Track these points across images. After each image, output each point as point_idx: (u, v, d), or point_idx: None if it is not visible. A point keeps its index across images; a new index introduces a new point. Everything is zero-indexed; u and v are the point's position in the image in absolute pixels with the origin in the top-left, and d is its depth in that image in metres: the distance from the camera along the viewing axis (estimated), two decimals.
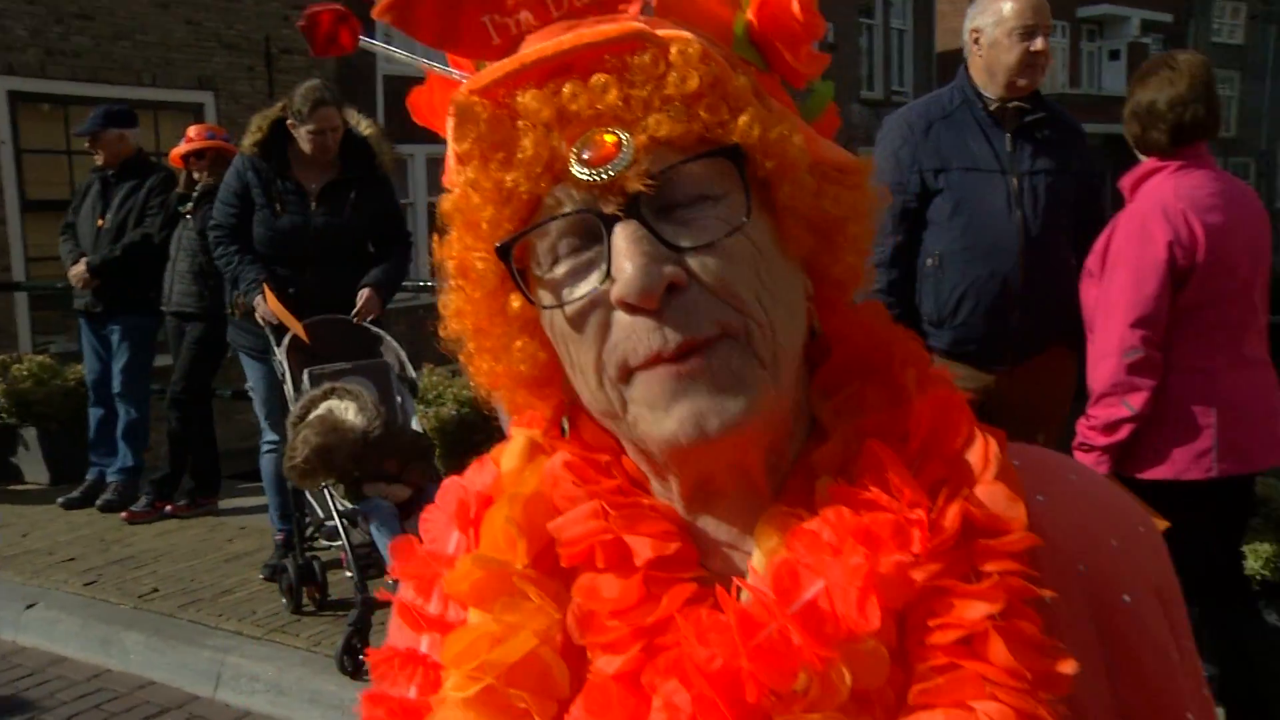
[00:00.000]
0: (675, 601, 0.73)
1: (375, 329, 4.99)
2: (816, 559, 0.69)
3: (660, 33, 0.71)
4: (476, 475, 0.87)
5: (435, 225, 0.80)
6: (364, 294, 4.91)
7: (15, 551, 6.08)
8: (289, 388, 4.72)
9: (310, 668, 4.43)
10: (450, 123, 0.74)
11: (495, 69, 0.72)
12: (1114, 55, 34.25)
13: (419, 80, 0.86)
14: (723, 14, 0.78)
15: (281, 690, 4.41)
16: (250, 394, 5.40)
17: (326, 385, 4.53)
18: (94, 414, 6.94)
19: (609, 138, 0.69)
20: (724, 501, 0.77)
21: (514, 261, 0.74)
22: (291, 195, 4.93)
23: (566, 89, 0.70)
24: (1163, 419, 3.10)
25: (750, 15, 0.77)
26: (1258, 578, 3.71)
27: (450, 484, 0.88)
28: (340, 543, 4.52)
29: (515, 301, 0.76)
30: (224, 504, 6.78)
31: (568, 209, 0.71)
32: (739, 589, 0.71)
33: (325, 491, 4.52)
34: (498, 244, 0.73)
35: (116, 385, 6.66)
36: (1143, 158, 3.26)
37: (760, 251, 0.72)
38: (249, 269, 4.95)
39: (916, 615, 0.69)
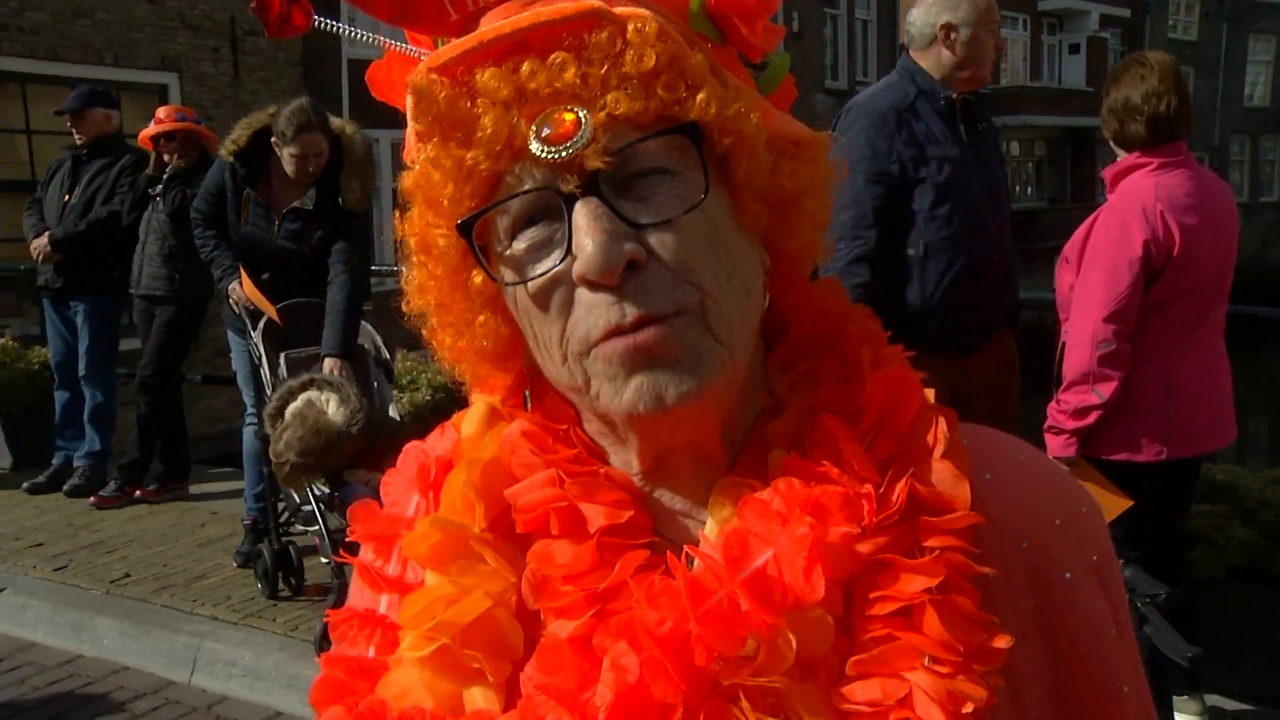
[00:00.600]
0: (628, 568, 0.74)
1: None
2: (766, 528, 0.71)
3: (617, 10, 0.71)
4: (438, 441, 0.88)
5: (398, 205, 0.80)
6: (326, 364, 4.69)
7: None
8: (265, 371, 4.71)
9: (288, 652, 4.43)
10: (409, 101, 0.74)
11: (453, 47, 0.72)
12: (1074, 49, 34.73)
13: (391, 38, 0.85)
14: None
15: (259, 675, 4.41)
16: (234, 368, 5.38)
17: (305, 376, 4.51)
18: (59, 397, 6.85)
19: (568, 115, 0.69)
20: (680, 471, 0.79)
21: (475, 238, 0.75)
22: (258, 209, 4.89)
23: (525, 67, 0.70)
24: (1123, 405, 3.29)
25: None
26: (1229, 565, 3.83)
27: (411, 448, 0.89)
28: (317, 528, 4.53)
29: (477, 278, 0.77)
30: (194, 489, 6.73)
31: (528, 186, 0.72)
32: (689, 556, 0.72)
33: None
34: (459, 221, 0.74)
35: (82, 368, 6.58)
36: (1122, 153, 3.39)
37: (718, 228, 0.73)
38: (225, 255, 4.94)
39: (861, 587, 0.71)
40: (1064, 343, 3.41)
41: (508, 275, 0.75)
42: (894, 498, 0.71)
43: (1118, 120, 3.35)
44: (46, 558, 5.63)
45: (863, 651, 0.70)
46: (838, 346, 0.80)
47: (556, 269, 0.72)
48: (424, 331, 0.84)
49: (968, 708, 0.68)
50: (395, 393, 5.57)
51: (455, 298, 0.79)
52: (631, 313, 0.70)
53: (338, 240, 4.87)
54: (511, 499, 0.78)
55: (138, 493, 6.51)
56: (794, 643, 0.68)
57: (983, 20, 3.53)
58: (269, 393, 4.71)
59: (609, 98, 0.70)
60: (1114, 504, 3.19)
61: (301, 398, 4.37)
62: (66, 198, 6.45)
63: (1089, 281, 3.29)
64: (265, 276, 4.83)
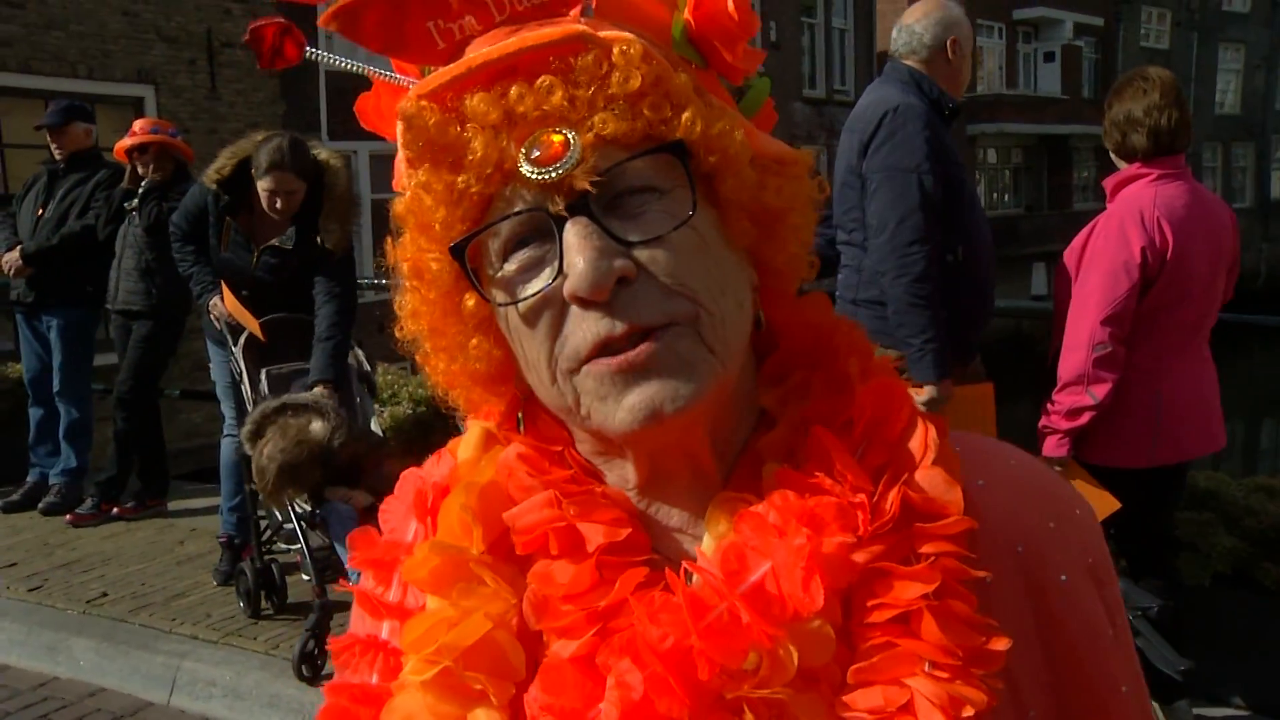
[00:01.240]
0: (628, 585, 0.74)
1: None
2: (763, 541, 0.72)
3: (602, 34, 0.73)
4: (434, 467, 0.88)
5: (388, 226, 0.81)
6: (316, 390, 4.62)
7: None
8: (246, 388, 4.66)
9: (269, 671, 4.37)
10: (400, 128, 0.75)
11: (442, 74, 0.74)
12: (1049, 57, 35.02)
13: (361, 78, 0.87)
14: (660, 14, 0.79)
15: (239, 695, 4.35)
16: (213, 379, 5.32)
17: (281, 400, 4.43)
18: (34, 414, 6.74)
19: (556, 137, 0.71)
20: (675, 488, 0.80)
21: (468, 261, 0.76)
22: (238, 240, 4.84)
23: (513, 91, 0.71)
24: (1114, 409, 3.35)
25: (688, 15, 0.79)
26: (1214, 573, 3.84)
27: (408, 475, 0.90)
28: (299, 546, 4.47)
29: (470, 301, 0.78)
30: (173, 505, 6.65)
31: (519, 208, 0.73)
32: (688, 572, 0.73)
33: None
34: (451, 244, 0.75)
35: (56, 384, 6.50)
36: (1123, 165, 3.47)
37: (707, 244, 0.75)
38: (204, 271, 4.90)
39: (859, 596, 0.72)
40: (1061, 347, 3.45)
41: (500, 296, 0.76)
42: (887, 506, 0.72)
43: (1120, 132, 3.42)
44: (21, 577, 5.54)
45: (863, 659, 0.71)
46: (826, 359, 0.81)
47: (547, 288, 0.73)
48: (418, 357, 0.85)
49: (968, 711, 0.68)
50: (376, 406, 5.53)
51: (448, 322, 0.80)
52: (622, 325, 0.71)
53: (318, 274, 4.80)
54: (510, 521, 0.78)
55: (115, 510, 6.42)
56: (795, 654, 0.69)
57: (964, 34, 3.66)
58: (250, 408, 4.66)
59: (596, 119, 0.71)
60: (1103, 504, 3.22)
61: (279, 422, 4.31)
62: (40, 211, 6.37)
63: (1087, 285, 3.36)
64: (245, 293, 4.79)
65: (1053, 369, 3.43)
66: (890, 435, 0.75)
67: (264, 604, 4.88)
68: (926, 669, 0.69)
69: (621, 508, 0.78)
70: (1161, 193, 3.34)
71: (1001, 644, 0.70)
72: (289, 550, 4.90)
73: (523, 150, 0.71)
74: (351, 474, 4.44)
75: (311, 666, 4.19)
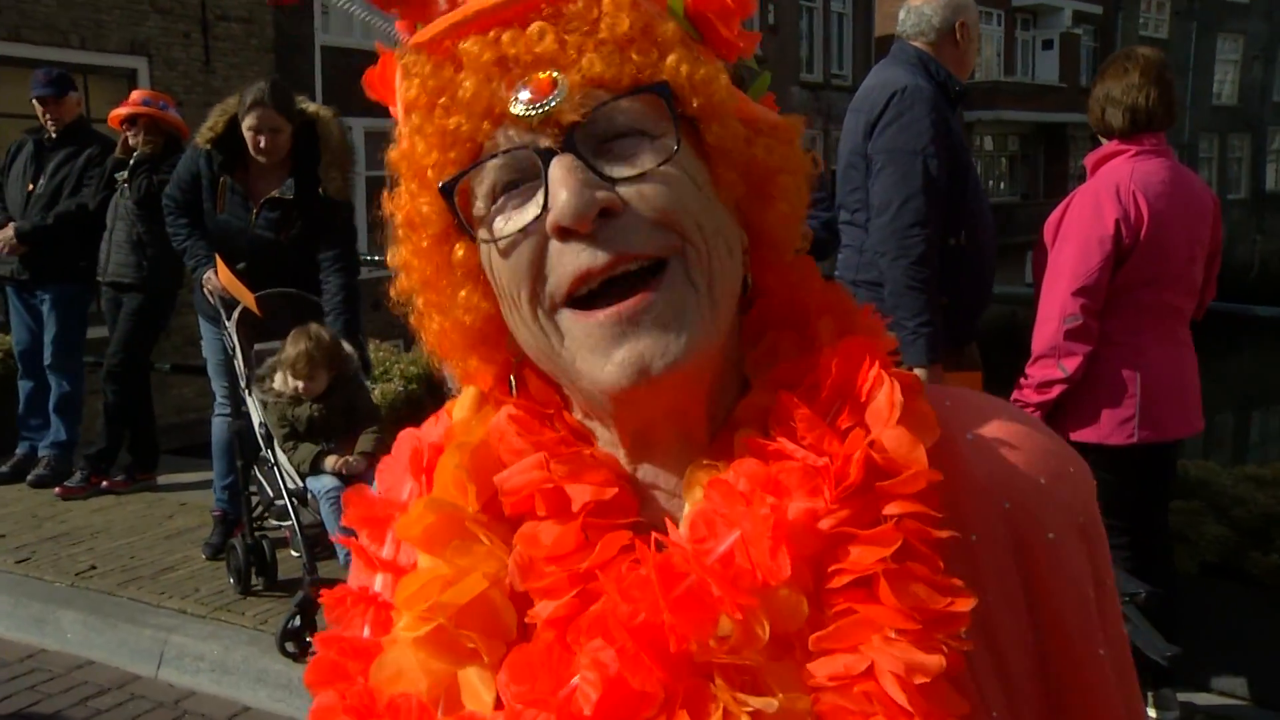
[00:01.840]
0: (610, 548, 0.74)
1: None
2: (731, 509, 0.72)
3: None
4: (432, 428, 0.89)
5: (375, 201, 0.83)
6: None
7: None
8: (239, 362, 4.64)
9: (257, 646, 4.37)
10: (398, 74, 0.78)
11: (440, 21, 0.76)
12: (1047, 45, 34.97)
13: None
14: None
15: (227, 669, 4.35)
16: (205, 356, 5.30)
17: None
18: (23, 386, 6.72)
19: (543, 75, 0.73)
20: (663, 451, 0.80)
21: (458, 206, 0.77)
22: (235, 198, 4.82)
23: (505, 36, 0.74)
24: (1093, 385, 3.36)
25: None
26: (1202, 562, 3.86)
27: (405, 435, 0.91)
28: (289, 523, 4.47)
29: (460, 250, 0.80)
30: (162, 479, 6.63)
31: (507, 147, 0.74)
32: (657, 541, 0.73)
33: (276, 470, 4.46)
34: (441, 184, 0.76)
35: (48, 357, 6.47)
36: (1104, 142, 3.48)
37: (695, 183, 0.75)
38: (198, 244, 4.87)
39: (826, 561, 0.71)
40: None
41: (485, 235, 0.77)
42: (851, 469, 0.71)
43: (1100, 108, 3.44)
44: (9, 549, 5.53)
45: (825, 627, 0.71)
46: (798, 320, 0.81)
47: (532, 223, 0.74)
48: (411, 318, 0.85)
49: (919, 679, 0.68)
50: (368, 384, 5.52)
51: (440, 273, 0.81)
52: (604, 256, 0.72)
53: (320, 234, 4.81)
54: (499, 484, 0.79)
55: (104, 483, 6.41)
56: (766, 623, 0.69)
57: (971, 16, 3.65)
58: (242, 384, 4.64)
59: (584, 60, 0.73)
60: None
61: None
62: (31, 186, 6.31)
63: (1060, 257, 3.37)
64: (241, 266, 4.75)
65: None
66: (856, 396, 0.75)
67: (254, 580, 4.87)
68: (890, 635, 0.69)
69: (611, 470, 0.79)
70: (1139, 168, 3.34)
71: (965, 604, 0.70)
72: (279, 527, 4.89)
73: (513, 93, 0.73)
74: (345, 440, 4.48)
75: (297, 643, 4.19)
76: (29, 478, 6.54)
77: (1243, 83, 39.79)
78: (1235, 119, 39.32)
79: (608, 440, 0.82)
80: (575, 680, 0.71)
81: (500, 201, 0.76)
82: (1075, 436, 3.38)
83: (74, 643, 4.71)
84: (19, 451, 6.77)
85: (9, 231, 6.25)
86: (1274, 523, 3.93)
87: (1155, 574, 3.37)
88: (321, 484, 4.33)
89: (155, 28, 12.58)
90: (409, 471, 0.87)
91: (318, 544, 4.48)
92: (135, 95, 6.28)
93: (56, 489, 6.34)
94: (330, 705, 0.81)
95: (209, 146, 4.81)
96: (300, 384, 4.44)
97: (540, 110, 0.72)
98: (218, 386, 5.22)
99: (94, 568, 5.27)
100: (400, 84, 0.77)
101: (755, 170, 0.80)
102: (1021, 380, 3.45)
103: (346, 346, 4.66)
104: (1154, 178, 3.34)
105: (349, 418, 4.56)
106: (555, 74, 0.73)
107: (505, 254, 0.76)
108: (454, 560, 0.77)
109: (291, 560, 4.98)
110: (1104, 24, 36.28)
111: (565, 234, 0.72)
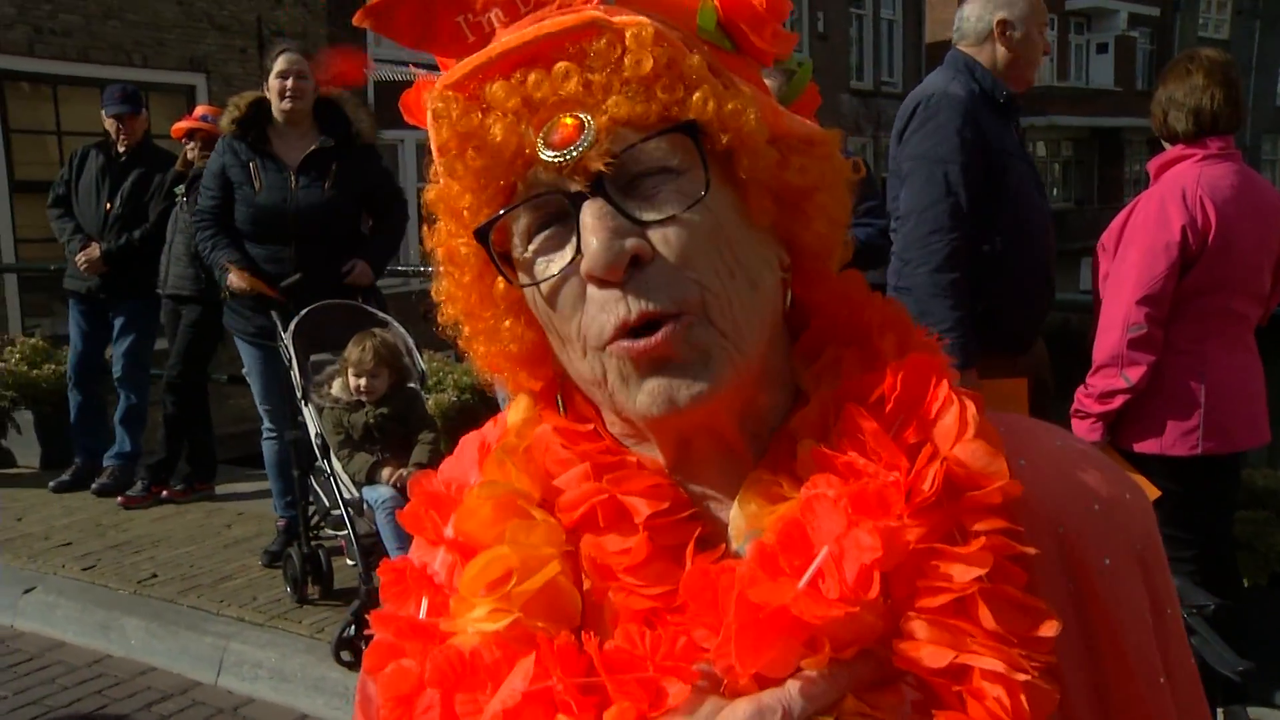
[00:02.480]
0: (683, 558, 0.76)
1: (381, 314, 4.97)
2: (818, 524, 0.72)
3: (616, 19, 0.74)
4: (492, 429, 0.92)
5: (423, 213, 0.84)
6: (357, 266, 4.99)
7: (11, 535, 6.04)
8: (295, 373, 4.71)
9: (314, 655, 4.42)
10: (429, 116, 0.79)
11: (465, 63, 0.77)
12: (1101, 48, 34.43)
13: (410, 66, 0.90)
14: (685, 0, 0.81)
15: (285, 677, 4.41)
16: (247, 379, 5.39)
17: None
18: (72, 398, 6.85)
19: (570, 120, 0.73)
20: (706, 468, 0.81)
21: (495, 246, 0.78)
22: (271, 172, 4.92)
23: (531, 78, 0.74)
24: (1157, 395, 3.27)
25: (715, 1, 0.80)
26: (1272, 573, 3.76)
27: (468, 438, 0.93)
28: (345, 532, 4.52)
29: (500, 284, 0.81)
30: (220, 489, 6.75)
31: (538, 191, 0.75)
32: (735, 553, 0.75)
33: (332, 480, 4.51)
34: (475, 229, 0.78)
35: (118, 370, 6.61)
36: (1168, 147, 3.39)
37: (721, 223, 0.75)
38: (222, 253, 4.97)
39: (904, 573, 0.71)
40: (1096, 328, 3.39)
41: (524, 278, 0.79)
42: (927, 483, 0.71)
43: (1162, 112, 3.36)
44: (75, 557, 5.66)
45: (913, 642, 0.70)
46: (859, 336, 0.81)
47: (568, 267, 0.75)
48: (459, 342, 0.88)
49: (1020, 686, 0.68)
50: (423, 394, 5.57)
51: (483, 305, 0.83)
52: (636, 309, 0.73)
53: (362, 192, 5.03)
54: (556, 490, 0.81)
55: (164, 493, 6.53)
56: (856, 633, 0.69)
57: (1035, 17, 3.51)
58: (299, 395, 4.71)
59: (610, 102, 0.73)
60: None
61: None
62: (109, 206, 6.42)
63: (1124, 264, 3.28)
64: (290, 250, 4.88)
65: (1091, 354, 3.37)
66: (925, 411, 0.75)
67: (310, 589, 4.93)
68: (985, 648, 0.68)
69: (656, 474, 0.80)
70: (1206, 172, 3.25)
71: (1051, 629, 0.70)
72: (335, 536, 4.95)
73: (540, 135, 0.73)
74: (403, 449, 4.53)
75: (352, 652, 4.23)
76: (93, 487, 6.69)
77: None
78: None
79: (648, 455, 0.83)
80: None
81: (538, 242, 0.77)
82: (1139, 448, 3.30)
83: (137, 649, 4.81)
84: (78, 460, 6.92)
85: (95, 251, 6.38)
86: None
87: (1223, 586, 3.29)
88: (378, 494, 4.38)
89: (214, 45, 12.85)
90: (476, 465, 0.89)
91: (373, 553, 4.53)
92: (198, 110, 6.41)
93: (119, 498, 6.48)
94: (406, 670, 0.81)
95: (234, 130, 4.96)
96: (363, 382, 4.50)
97: (568, 157, 0.72)
98: (262, 410, 5.28)
99: (155, 575, 5.38)
100: (430, 126, 0.78)
101: (789, 193, 0.80)
102: (1082, 390, 3.37)
103: (407, 357, 4.72)
104: (1222, 182, 3.24)
105: (405, 426, 4.61)
106: (582, 116, 0.73)
107: (550, 299, 0.77)
108: (517, 539, 0.78)
109: (347, 569, 5.04)
110: (1161, 25, 35.63)
111: (599, 282, 0.74)
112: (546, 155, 0.73)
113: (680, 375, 0.74)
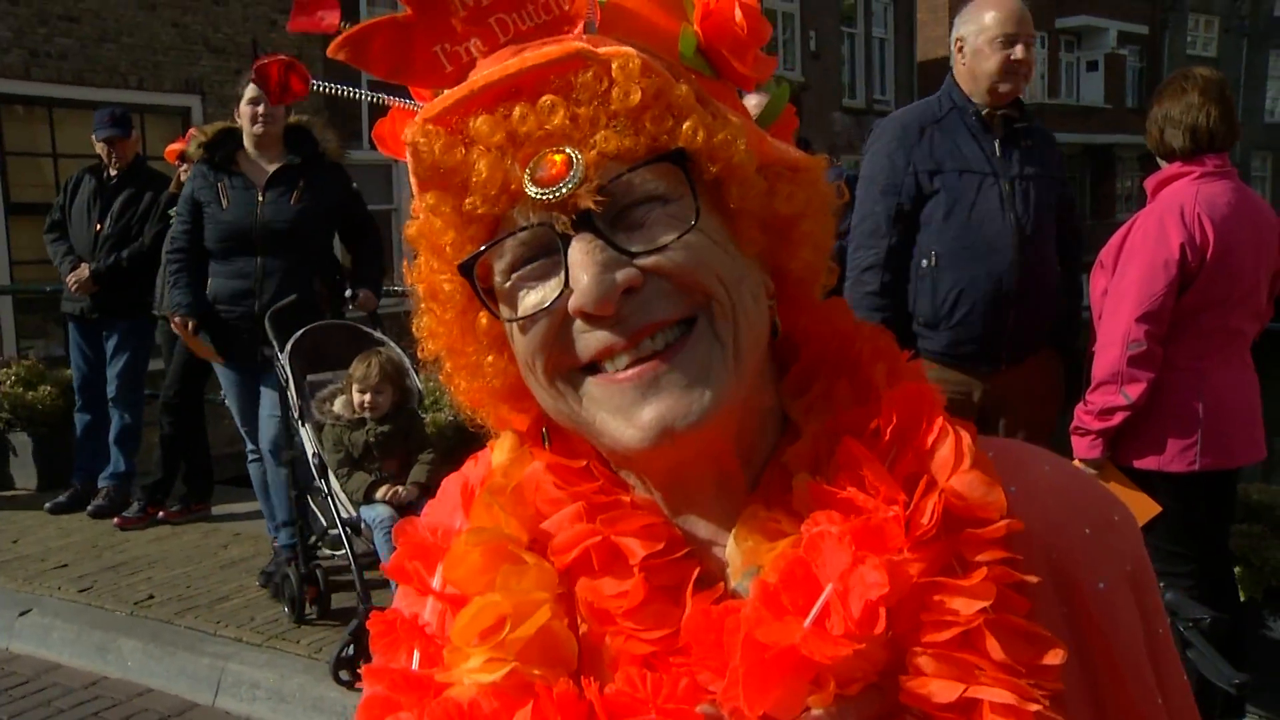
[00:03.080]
0: (682, 599, 0.75)
1: (377, 334, 4.99)
2: (825, 561, 0.71)
3: (601, 50, 0.73)
4: (474, 469, 0.90)
5: (405, 255, 0.84)
6: (361, 295, 5.06)
7: (7, 558, 6.03)
8: (291, 394, 4.71)
9: (312, 675, 4.41)
10: (408, 153, 0.76)
11: (446, 97, 0.75)
12: (1092, 66, 34.62)
13: (403, 90, 0.89)
14: (667, 26, 0.79)
15: (283, 697, 4.39)
16: (224, 400, 5.43)
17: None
18: (80, 419, 6.88)
19: (558, 157, 0.71)
20: (701, 499, 0.80)
21: (478, 280, 0.77)
22: (238, 190, 4.98)
23: (516, 112, 0.72)
24: (1156, 412, 3.28)
25: (696, 26, 0.79)
26: (1268, 587, 3.77)
27: (449, 480, 0.91)
28: (343, 551, 4.52)
29: (483, 319, 0.80)
30: (217, 509, 6.74)
31: (524, 226, 0.74)
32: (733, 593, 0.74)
33: (330, 499, 4.51)
34: (460, 263, 0.76)
35: (112, 390, 6.61)
36: (1164, 164, 3.41)
37: (716, 244, 0.75)
38: (178, 295, 5.08)
39: (904, 608, 0.71)
40: (1094, 346, 3.39)
41: (507, 312, 0.77)
42: (926, 517, 0.71)
43: (1158, 129, 3.38)
44: (72, 579, 5.64)
45: (919, 676, 0.70)
46: (851, 366, 0.80)
47: (551, 302, 0.74)
48: (440, 377, 0.86)
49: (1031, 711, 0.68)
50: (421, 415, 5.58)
51: (465, 340, 0.81)
52: (628, 334, 0.72)
53: (332, 209, 5.07)
54: (547, 531, 0.79)
55: (161, 514, 6.52)
56: (861, 672, 0.69)
57: (986, 33, 3.55)
58: (294, 415, 4.71)
59: (598, 136, 0.71)
60: (1142, 507, 3.15)
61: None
62: (99, 226, 6.45)
63: (1124, 281, 3.30)
64: (256, 264, 4.93)
65: (1089, 371, 3.38)
66: (920, 442, 0.74)
67: (308, 609, 4.92)
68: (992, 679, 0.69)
69: (651, 514, 0.79)
70: (1204, 190, 3.28)
71: (1056, 656, 0.70)
72: (333, 556, 4.95)
73: (527, 171, 0.72)
74: (401, 467, 4.54)
75: (350, 671, 4.22)
76: (89, 508, 6.67)
77: None
78: None
79: (644, 488, 0.81)
80: None
81: (520, 275, 0.76)
82: (1138, 464, 3.32)
83: (134, 670, 4.79)
84: (75, 482, 6.91)
85: (84, 272, 6.40)
86: None
87: (1220, 600, 3.30)
88: (376, 513, 4.38)
89: (209, 66, 12.90)
90: (460, 508, 0.87)
91: (370, 572, 4.52)
92: (191, 133, 6.43)
93: (115, 519, 6.46)
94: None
95: (201, 153, 5.04)
96: (368, 398, 4.51)
97: (556, 194, 0.71)
98: (244, 431, 5.32)
99: (152, 597, 5.36)
100: (410, 160, 0.76)
101: (777, 221, 0.79)
102: (1081, 407, 3.38)
103: (408, 378, 4.74)
104: (1219, 200, 3.27)
105: (405, 444, 4.62)
106: (570, 152, 0.71)
107: (524, 329, 0.76)
108: (508, 585, 0.76)
109: (347, 590, 5.03)
110: (1150, 43, 35.88)
111: (590, 318, 0.72)
112: (533, 192, 0.71)
113: (679, 397, 0.72)
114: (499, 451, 0.86)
